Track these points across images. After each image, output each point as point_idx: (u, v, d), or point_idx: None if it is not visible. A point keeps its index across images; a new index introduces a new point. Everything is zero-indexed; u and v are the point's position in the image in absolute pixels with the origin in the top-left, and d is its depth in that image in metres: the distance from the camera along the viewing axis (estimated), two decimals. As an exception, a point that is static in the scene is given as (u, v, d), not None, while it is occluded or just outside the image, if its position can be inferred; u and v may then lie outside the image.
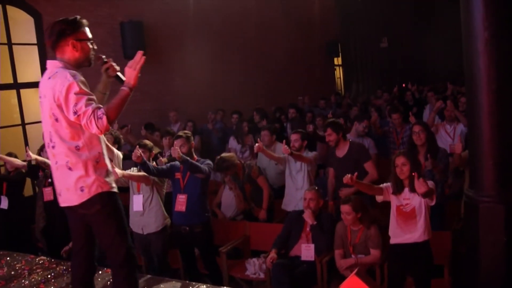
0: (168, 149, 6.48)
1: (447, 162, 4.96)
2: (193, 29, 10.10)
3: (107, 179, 2.98)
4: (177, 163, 4.82)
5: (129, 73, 2.85)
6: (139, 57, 2.83)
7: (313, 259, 4.53)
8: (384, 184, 4.12)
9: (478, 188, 3.83)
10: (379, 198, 4.13)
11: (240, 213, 5.73)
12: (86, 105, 2.71)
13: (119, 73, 3.06)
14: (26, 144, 7.34)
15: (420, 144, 4.91)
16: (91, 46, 2.96)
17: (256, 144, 5.21)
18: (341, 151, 5.13)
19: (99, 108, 2.73)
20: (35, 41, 7.57)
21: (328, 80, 15.80)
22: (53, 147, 2.92)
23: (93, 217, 2.97)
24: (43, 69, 7.34)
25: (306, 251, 4.59)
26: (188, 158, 4.61)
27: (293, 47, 13.21)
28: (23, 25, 7.53)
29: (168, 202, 5.16)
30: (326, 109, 10.54)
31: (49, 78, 2.83)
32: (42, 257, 4.86)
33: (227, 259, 5.01)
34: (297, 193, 5.27)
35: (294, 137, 5.35)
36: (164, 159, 6.00)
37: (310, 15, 14.26)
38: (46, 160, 5.49)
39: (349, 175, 3.83)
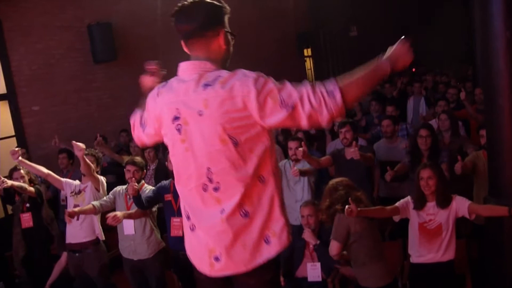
0: (152, 163, 6.10)
1: (449, 160, 4.77)
2: (164, 27, 9.60)
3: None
4: (164, 182, 4.47)
5: (404, 56, 2.01)
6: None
7: (320, 279, 4.21)
8: (401, 201, 3.84)
9: (500, 196, 3.67)
10: (396, 218, 3.85)
11: None
12: (296, 87, 1.88)
13: None
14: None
15: (425, 149, 4.71)
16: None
17: None
18: (351, 153, 4.79)
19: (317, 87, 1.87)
20: (-4, 50, 6.97)
21: (299, 71, 15.56)
22: (216, 189, 1.98)
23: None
24: (7, 78, 6.95)
25: (312, 270, 4.26)
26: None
27: (263, 40, 12.89)
28: (-19, 34, 6.93)
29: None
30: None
31: (207, 85, 1.94)
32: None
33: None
34: (297, 205, 4.89)
35: (293, 144, 4.99)
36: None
37: (279, 5, 13.91)
38: (23, 185, 5.02)
39: (349, 208, 3.42)
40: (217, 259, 2.03)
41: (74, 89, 7.94)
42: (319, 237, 4.25)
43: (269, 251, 2.00)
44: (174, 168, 2.13)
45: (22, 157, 4.62)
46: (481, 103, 6.67)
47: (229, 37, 2.11)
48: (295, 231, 4.41)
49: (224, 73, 1.97)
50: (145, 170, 4.84)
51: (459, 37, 16.60)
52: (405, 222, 3.94)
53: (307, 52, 16.12)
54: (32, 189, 5.13)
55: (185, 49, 2.09)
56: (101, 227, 4.78)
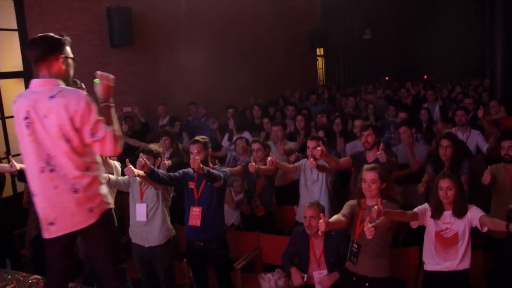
0: (167, 150, 6.05)
1: (469, 171, 4.74)
2: (183, 18, 9.63)
3: (109, 196, 3.01)
4: (190, 170, 4.39)
5: (106, 88, 2.89)
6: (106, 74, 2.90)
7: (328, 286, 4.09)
8: (419, 208, 3.80)
9: (525, 211, 3.60)
10: (414, 224, 3.81)
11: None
12: (105, 128, 2.73)
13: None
14: (6, 138, 6.76)
15: (446, 159, 4.69)
16: (73, 65, 2.96)
17: (269, 159, 4.76)
18: (373, 155, 4.77)
19: (113, 130, 2.76)
20: (15, 27, 6.90)
21: (310, 71, 15.53)
22: (51, 170, 2.74)
23: (96, 235, 2.90)
24: (25, 56, 6.87)
25: (320, 279, 4.13)
26: (210, 169, 4.20)
27: (277, 38, 12.85)
28: (1, 9, 6.82)
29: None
30: (317, 104, 10.23)
31: (52, 97, 2.69)
32: (36, 276, 4.35)
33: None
34: (314, 206, 4.91)
35: (312, 144, 4.94)
36: (168, 162, 5.56)
37: (293, 5, 13.85)
38: None
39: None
40: (51, 224, 2.79)
41: (88, 72, 7.75)
42: (326, 244, 4.16)
43: (91, 218, 2.82)
44: (22, 155, 2.84)
45: None
46: (496, 114, 6.66)
47: (70, 61, 2.87)
48: (298, 234, 4.36)
49: (65, 89, 2.73)
50: (159, 158, 4.80)
51: (471, 48, 16.58)
52: (420, 229, 3.92)
53: (319, 51, 16.07)
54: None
55: (36, 70, 2.82)
56: (114, 214, 4.73)
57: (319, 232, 3.47)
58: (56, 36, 2.84)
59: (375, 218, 3.42)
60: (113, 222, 3.00)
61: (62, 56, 2.81)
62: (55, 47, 2.80)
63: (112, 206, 3.02)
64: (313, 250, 4.22)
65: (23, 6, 6.87)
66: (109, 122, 2.78)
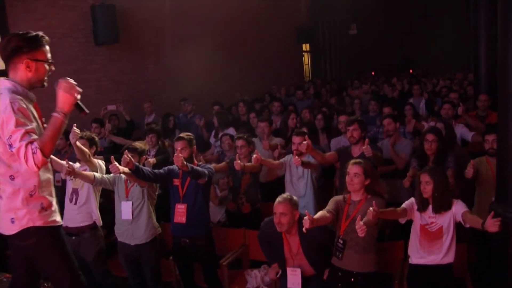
0: (153, 148, 6.03)
1: (454, 165, 4.76)
2: (168, 15, 9.56)
3: (43, 214, 2.75)
4: (175, 167, 4.38)
5: (64, 98, 2.58)
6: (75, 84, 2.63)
7: (299, 286, 3.99)
8: (407, 203, 3.85)
9: (506, 203, 3.63)
10: (402, 220, 3.86)
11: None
12: (21, 139, 2.46)
13: (79, 101, 2.69)
14: None
15: (431, 153, 4.72)
16: (47, 68, 2.71)
17: (254, 156, 4.75)
18: (358, 150, 4.81)
19: (33, 142, 2.47)
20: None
21: (296, 66, 15.55)
22: None
23: (29, 249, 2.79)
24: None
25: (292, 276, 4.02)
26: (194, 167, 4.18)
27: (264, 34, 12.85)
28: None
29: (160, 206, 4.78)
30: (303, 100, 10.25)
31: None
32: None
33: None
34: (300, 201, 4.84)
35: (298, 139, 4.94)
36: (152, 160, 5.54)
37: (281, 0, 13.84)
38: None
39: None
40: None
41: (74, 70, 7.83)
42: (302, 239, 3.97)
43: (13, 228, 2.71)
44: None
45: None
46: (484, 109, 6.70)
47: (41, 64, 2.65)
48: (270, 230, 4.14)
49: (4, 93, 2.53)
50: (144, 156, 4.78)
51: (457, 42, 16.71)
52: (407, 223, 3.95)
53: (306, 47, 16.09)
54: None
55: None
56: (99, 213, 4.71)
57: (304, 230, 3.46)
58: (28, 35, 2.61)
59: (371, 220, 3.41)
60: (52, 242, 2.80)
61: (28, 59, 2.60)
62: (18, 49, 2.59)
63: (47, 225, 2.77)
64: (289, 247, 4.08)
65: (5, 3, 6.78)
66: (46, 134, 2.52)
